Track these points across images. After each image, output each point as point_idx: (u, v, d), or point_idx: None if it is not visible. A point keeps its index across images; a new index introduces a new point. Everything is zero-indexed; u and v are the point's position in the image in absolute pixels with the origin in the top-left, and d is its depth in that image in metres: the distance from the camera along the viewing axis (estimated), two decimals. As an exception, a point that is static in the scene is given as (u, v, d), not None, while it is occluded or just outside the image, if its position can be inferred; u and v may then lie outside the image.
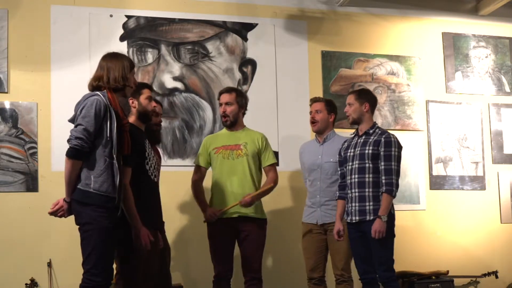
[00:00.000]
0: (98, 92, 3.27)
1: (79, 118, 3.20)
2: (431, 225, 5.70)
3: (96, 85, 3.32)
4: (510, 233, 5.87)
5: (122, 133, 3.30)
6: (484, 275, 5.55)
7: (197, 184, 4.38)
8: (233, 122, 4.38)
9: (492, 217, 5.87)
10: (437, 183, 5.78)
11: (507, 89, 6.13)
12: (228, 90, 4.45)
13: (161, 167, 4.08)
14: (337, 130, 5.20)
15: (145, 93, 3.75)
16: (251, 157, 4.33)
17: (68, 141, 3.19)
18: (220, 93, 4.44)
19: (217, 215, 4.20)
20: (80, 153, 3.16)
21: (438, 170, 5.80)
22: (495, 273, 5.54)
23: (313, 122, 4.53)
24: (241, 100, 4.41)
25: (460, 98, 5.96)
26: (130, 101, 3.71)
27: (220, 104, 4.40)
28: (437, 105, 5.88)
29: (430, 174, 5.76)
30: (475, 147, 5.93)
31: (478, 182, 5.88)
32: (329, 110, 4.54)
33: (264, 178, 4.44)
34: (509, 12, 6.12)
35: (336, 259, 4.36)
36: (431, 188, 5.75)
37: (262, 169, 4.43)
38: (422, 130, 5.80)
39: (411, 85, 5.83)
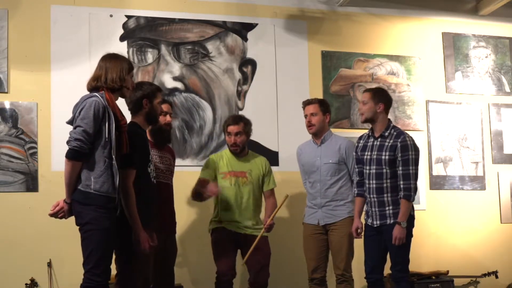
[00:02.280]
0: (96, 94, 3.27)
1: (78, 119, 3.21)
2: (431, 225, 5.70)
3: (94, 85, 3.34)
4: (510, 233, 5.87)
5: (120, 133, 3.31)
6: (484, 275, 5.55)
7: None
8: (242, 150, 4.45)
9: (492, 217, 5.87)
10: (437, 183, 5.78)
11: (507, 89, 6.13)
12: (236, 121, 4.43)
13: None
14: (337, 130, 5.22)
15: (159, 97, 3.74)
16: (255, 184, 4.45)
17: (68, 142, 3.20)
18: (228, 124, 4.42)
19: (219, 191, 4.25)
20: (79, 155, 3.18)
21: (438, 170, 5.80)
22: (495, 273, 5.54)
23: (309, 125, 4.51)
24: (249, 128, 4.47)
25: (460, 98, 5.96)
26: (144, 102, 3.67)
27: (229, 133, 4.41)
28: (437, 105, 5.88)
29: (430, 174, 5.76)
30: (475, 147, 5.93)
31: (478, 182, 5.88)
32: (324, 111, 4.51)
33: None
34: (509, 12, 6.12)
35: (338, 259, 4.37)
36: (431, 188, 5.75)
37: (262, 192, 4.54)
38: (422, 130, 5.80)
39: (411, 85, 5.83)
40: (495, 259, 5.74)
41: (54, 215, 3.30)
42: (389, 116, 5.59)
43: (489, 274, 5.55)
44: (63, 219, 3.34)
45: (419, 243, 5.57)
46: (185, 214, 5.02)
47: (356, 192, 4.26)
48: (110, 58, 3.40)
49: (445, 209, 5.76)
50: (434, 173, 5.78)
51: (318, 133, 4.51)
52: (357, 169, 4.27)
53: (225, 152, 4.55)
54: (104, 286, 3.21)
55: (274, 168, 5.11)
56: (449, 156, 5.85)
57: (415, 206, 5.57)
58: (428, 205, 5.71)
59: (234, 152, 4.44)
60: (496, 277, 5.55)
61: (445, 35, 6.01)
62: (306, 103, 4.55)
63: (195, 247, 4.96)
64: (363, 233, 4.23)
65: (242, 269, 4.52)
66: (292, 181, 5.18)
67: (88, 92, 3.35)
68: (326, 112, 4.53)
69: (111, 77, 3.32)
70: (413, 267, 5.27)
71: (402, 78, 5.82)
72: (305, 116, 4.53)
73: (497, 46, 6.15)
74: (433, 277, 5.25)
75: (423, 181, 5.70)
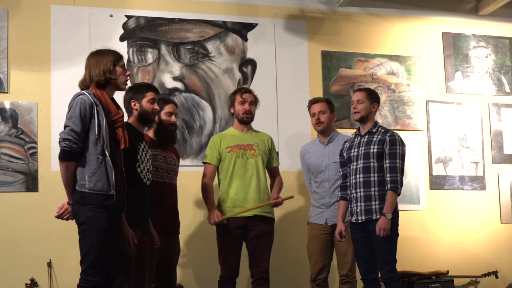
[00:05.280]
0: (83, 91, 3.26)
1: (66, 119, 3.21)
2: (431, 225, 5.70)
3: (84, 86, 3.33)
4: (510, 233, 5.87)
5: (115, 129, 3.28)
6: (484, 275, 5.55)
7: (209, 185, 4.30)
8: (251, 122, 4.42)
9: (492, 217, 5.87)
10: (437, 183, 5.78)
11: (507, 89, 6.13)
12: (251, 91, 4.45)
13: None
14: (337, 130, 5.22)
15: (149, 96, 3.73)
16: (263, 157, 4.36)
17: (59, 144, 3.20)
18: (244, 92, 4.40)
19: (223, 219, 4.17)
20: (70, 154, 3.16)
21: (438, 170, 5.80)
22: (495, 273, 5.54)
23: (317, 123, 4.51)
24: (257, 102, 4.46)
25: (460, 98, 5.96)
26: (132, 103, 3.69)
27: (243, 101, 4.34)
28: (437, 105, 5.88)
29: (430, 174, 5.76)
30: (475, 147, 5.93)
31: (478, 182, 5.88)
32: (331, 109, 4.55)
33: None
34: (509, 12, 6.12)
35: (343, 260, 4.37)
36: (431, 188, 5.75)
37: (266, 170, 4.43)
38: (422, 130, 5.80)
39: (411, 85, 5.83)
40: (495, 259, 5.75)
41: (60, 217, 3.29)
42: (389, 116, 5.69)
43: (489, 274, 5.54)
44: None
45: (419, 243, 5.59)
46: (187, 214, 5.02)
47: (339, 195, 4.26)
48: (92, 55, 3.38)
49: (445, 209, 5.75)
50: (434, 173, 5.78)
51: (326, 132, 4.52)
52: (341, 172, 4.28)
53: (227, 131, 4.52)
54: (101, 287, 3.17)
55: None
56: (449, 156, 5.85)
57: (415, 206, 5.67)
58: (428, 205, 5.71)
59: (246, 121, 4.37)
60: (496, 277, 5.55)
61: (445, 35, 6.01)
62: (313, 102, 4.56)
63: (195, 247, 4.96)
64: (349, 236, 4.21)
65: (246, 268, 4.49)
66: (293, 181, 5.18)
67: None
68: (333, 111, 4.57)
69: (95, 73, 3.29)
70: (413, 267, 5.31)
71: (402, 78, 5.82)
72: (313, 114, 4.53)
73: (497, 46, 6.15)
74: (433, 277, 5.25)
75: (423, 181, 5.70)
